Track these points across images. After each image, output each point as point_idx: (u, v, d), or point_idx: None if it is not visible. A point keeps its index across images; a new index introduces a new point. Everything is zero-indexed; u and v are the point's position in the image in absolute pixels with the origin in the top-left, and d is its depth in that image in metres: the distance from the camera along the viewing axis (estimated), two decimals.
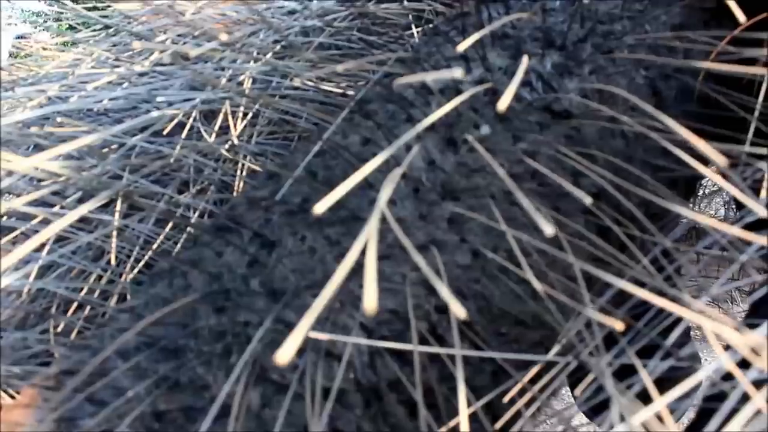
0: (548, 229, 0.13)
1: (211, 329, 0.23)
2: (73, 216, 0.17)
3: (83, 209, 0.17)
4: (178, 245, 0.29)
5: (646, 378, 0.14)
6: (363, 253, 0.13)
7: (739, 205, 0.22)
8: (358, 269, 0.24)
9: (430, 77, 0.19)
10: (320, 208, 0.13)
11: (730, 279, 0.17)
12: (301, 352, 0.22)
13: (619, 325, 0.13)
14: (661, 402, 0.11)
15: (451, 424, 0.20)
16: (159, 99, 0.26)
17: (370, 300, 0.10)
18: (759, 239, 0.14)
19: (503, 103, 0.17)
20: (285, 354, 0.11)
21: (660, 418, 0.11)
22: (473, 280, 0.24)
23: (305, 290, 0.23)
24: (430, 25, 0.35)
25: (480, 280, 0.24)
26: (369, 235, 0.12)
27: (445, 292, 0.12)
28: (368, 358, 0.22)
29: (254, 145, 0.33)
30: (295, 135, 0.35)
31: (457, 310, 0.12)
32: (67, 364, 0.23)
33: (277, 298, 0.23)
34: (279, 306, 0.22)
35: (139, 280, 0.29)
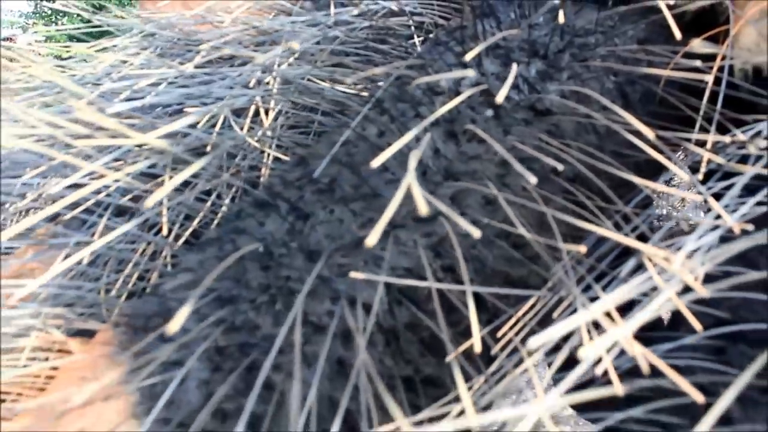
0: (532, 179, 0.18)
1: (259, 282, 0.28)
2: (168, 187, 0.22)
3: (177, 180, 0.22)
4: (218, 218, 0.34)
5: (600, 293, 0.19)
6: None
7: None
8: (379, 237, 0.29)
9: (446, 77, 0.25)
10: (376, 162, 0.18)
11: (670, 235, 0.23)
12: (335, 300, 0.27)
13: (582, 249, 0.18)
14: (610, 299, 0.16)
15: (465, 345, 0.25)
16: (215, 95, 0.30)
17: (422, 205, 0.15)
18: (692, 196, 0.20)
19: (500, 97, 0.22)
20: (373, 239, 0.16)
21: (610, 316, 0.17)
22: (471, 246, 0.30)
23: (335, 252, 0.28)
24: (432, 36, 0.40)
25: (476, 245, 0.30)
26: (410, 179, 0.17)
27: (461, 221, 0.17)
28: (388, 306, 0.27)
29: (279, 137, 0.37)
30: (312, 129, 0.40)
31: (473, 231, 0.17)
32: (136, 310, 0.28)
33: (312, 258, 0.28)
34: (318, 264, 0.27)
35: (183, 249, 0.33)
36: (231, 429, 0.25)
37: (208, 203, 0.34)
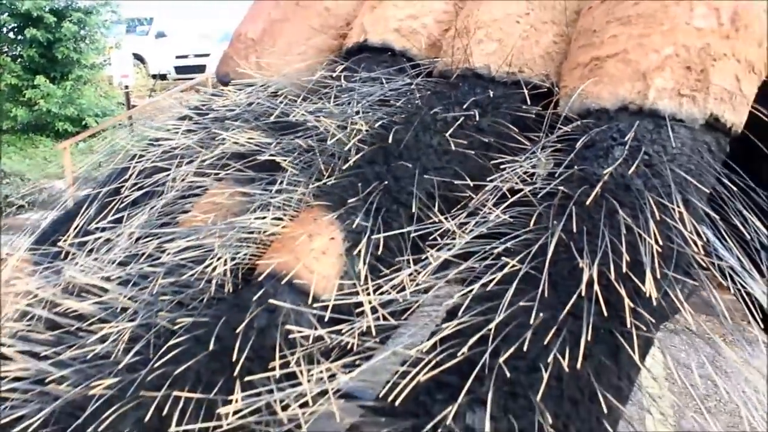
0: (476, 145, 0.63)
1: (376, 187, 0.71)
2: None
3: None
4: (347, 165, 0.76)
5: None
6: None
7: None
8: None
9: (453, 114, 0.69)
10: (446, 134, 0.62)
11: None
12: (409, 194, 0.70)
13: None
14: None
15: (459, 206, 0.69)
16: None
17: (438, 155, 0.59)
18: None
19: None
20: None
21: None
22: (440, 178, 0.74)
23: (405, 178, 0.72)
24: (427, 92, 0.85)
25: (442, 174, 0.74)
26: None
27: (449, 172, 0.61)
28: (424, 194, 0.71)
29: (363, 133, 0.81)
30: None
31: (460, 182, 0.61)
32: (326, 197, 0.70)
33: (396, 180, 0.72)
34: (405, 183, 0.71)
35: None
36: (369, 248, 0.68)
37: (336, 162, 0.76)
